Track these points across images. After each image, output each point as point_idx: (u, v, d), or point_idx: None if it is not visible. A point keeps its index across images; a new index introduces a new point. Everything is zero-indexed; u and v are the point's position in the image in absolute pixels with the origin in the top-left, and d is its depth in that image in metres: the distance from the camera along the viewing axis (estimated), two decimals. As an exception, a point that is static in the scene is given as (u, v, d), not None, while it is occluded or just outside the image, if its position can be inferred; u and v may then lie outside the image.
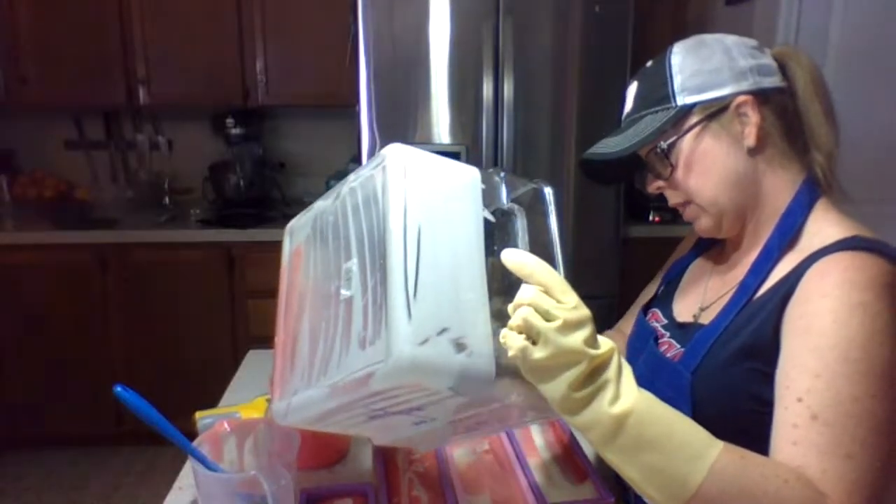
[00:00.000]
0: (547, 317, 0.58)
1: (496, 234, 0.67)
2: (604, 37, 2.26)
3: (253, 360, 1.46)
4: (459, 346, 0.57)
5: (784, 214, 0.83)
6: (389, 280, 0.57)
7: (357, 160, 2.38)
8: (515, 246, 0.69)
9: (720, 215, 0.85)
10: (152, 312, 2.70)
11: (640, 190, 0.92)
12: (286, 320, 0.74)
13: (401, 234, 0.58)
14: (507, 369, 0.60)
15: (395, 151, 0.64)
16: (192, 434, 0.84)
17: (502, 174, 0.72)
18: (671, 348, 0.89)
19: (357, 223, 0.66)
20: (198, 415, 1.04)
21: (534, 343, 0.58)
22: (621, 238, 2.46)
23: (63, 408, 2.73)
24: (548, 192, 0.73)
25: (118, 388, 0.72)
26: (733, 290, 0.84)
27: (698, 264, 0.99)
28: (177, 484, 0.98)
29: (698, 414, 0.78)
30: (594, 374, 0.60)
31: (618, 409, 0.59)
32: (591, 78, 2.28)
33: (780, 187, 0.84)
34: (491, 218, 0.68)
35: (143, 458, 2.75)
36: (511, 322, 0.60)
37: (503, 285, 0.64)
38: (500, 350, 0.60)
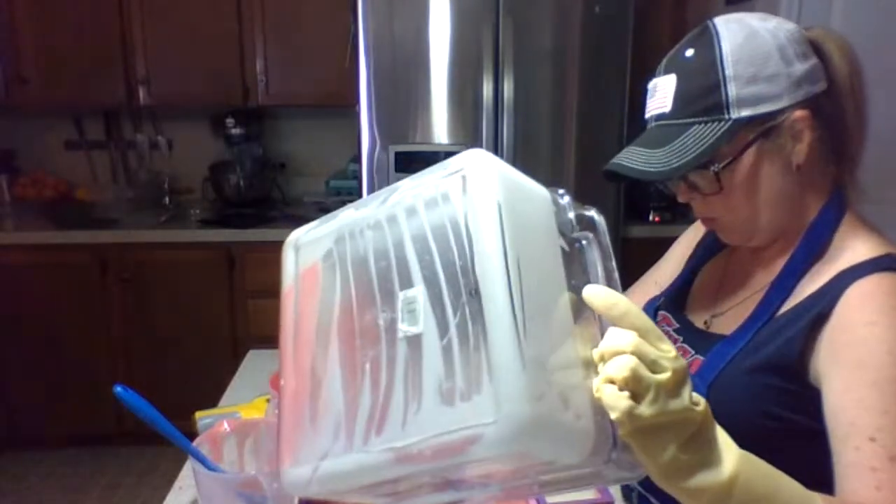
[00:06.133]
0: (653, 368, 0.48)
1: (566, 266, 0.56)
2: (604, 37, 2.25)
3: (253, 360, 1.46)
4: (565, 403, 0.46)
5: (810, 228, 0.79)
6: (491, 317, 0.45)
7: (357, 160, 2.38)
8: (588, 281, 0.58)
9: (753, 232, 0.81)
10: (152, 312, 2.69)
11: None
12: (297, 359, 0.58)
13: (501, 263, 0.46)
14: (601, 430, 0.49)
15: (477, 160, 0.51)
16: (192, 434, 0.84)
17: (564, 195, 0.59)
18: (686, 354, 0.85)
19: (421, 243, 0.52)
20: (198, 415, 1.04)
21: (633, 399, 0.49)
22: (621, 238, 2.46)
23: (63, 408, 2.72)
24: (600, 221, 0.60)
25: (118, 388, 0.73)
26: (754, 302, 0.81)
27: (710, 267, 0.95)
28: (177, 484, 0.98)
29: None
30: (699, 433, 0.51)
31: (728, 471, 0.52)
32: (591, 78, 2.28)
33: (811, 199, 0.80)
34: (566, 247, 0.56)
35: (143, 458, 2.74)
36: (613, 373, 0.47)
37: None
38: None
